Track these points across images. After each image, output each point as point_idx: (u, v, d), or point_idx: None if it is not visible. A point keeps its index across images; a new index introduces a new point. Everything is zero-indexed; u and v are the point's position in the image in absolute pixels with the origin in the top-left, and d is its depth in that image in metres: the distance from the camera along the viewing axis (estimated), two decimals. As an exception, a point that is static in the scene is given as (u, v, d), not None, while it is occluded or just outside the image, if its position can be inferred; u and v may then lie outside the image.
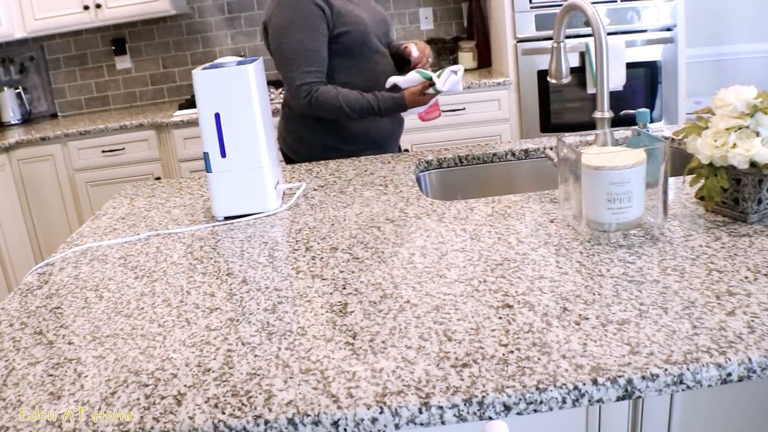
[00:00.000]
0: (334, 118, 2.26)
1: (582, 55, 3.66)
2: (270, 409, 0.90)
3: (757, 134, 1.32)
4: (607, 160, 1.33)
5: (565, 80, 1.74)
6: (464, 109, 3.78)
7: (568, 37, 1.84)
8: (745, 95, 1.34)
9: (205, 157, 1.70)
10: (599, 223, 1.37)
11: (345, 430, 0.88)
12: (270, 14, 2.23)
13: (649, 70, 3.79)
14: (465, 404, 0.88)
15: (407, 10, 4.33)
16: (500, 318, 1.07)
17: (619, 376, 0.89)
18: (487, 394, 0.88)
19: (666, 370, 0.89)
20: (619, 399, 0.89)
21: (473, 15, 4.22)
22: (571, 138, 2.12)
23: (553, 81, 1.75)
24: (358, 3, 2.30)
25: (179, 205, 1.91)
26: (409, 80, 2.15)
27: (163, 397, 0.96)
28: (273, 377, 0.98)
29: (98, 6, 3.93)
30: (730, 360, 0.90)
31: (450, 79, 2.10)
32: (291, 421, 0.88)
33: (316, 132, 2.34)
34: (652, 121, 3.78)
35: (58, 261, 1.57)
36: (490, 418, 0.89)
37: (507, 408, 0.88)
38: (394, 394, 0.90)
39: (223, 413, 0.91)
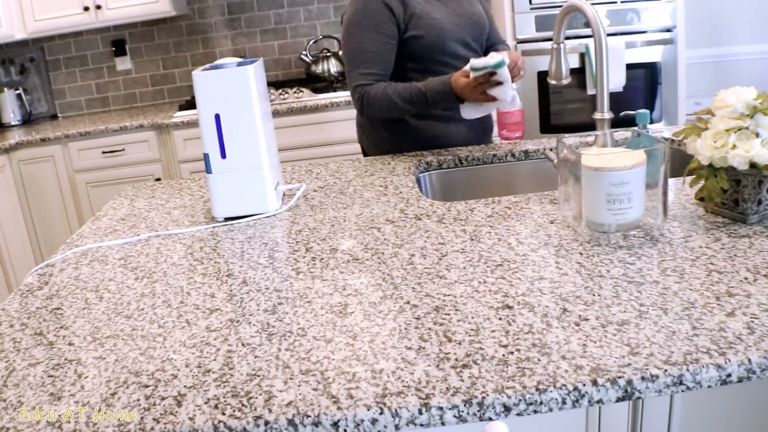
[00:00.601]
0: (390, 117, 2.16)
1: (582, 56, 3.66)
2: (270, 410, 0.90)
3: (757, 135, 1.32)
4: (607, 162, 1.33)
5: (565, 81, 1.74)
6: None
7: (567, 38, 1.84)
8: (744, 96, 1.34)
9: (206, 158, 1.70)
10: (599, 224, 1.37)
11: (345, 430, 0.88)
12: (344, 10, 2.17)
13: (648, 71, 3.79)
14: (465, 405, 0.88)
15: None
16: (500, 319, 1.07)
17: (619, 377, 0.89)
18: (487, 395, 0.88)
19: (666, 371, 0.89)
20: (618, 400, 0.89)
21: (473, 16, 4.22)
22: (571, 139, 2.12)
23: (553, 82, 1.75)
24: (446, 1, 2.15)
25: (179, 206, 1.91)
26: (482, 61, 1.89)
27: (163, 398, 0.96)
28: (273, 378, 0.98)
29: (98, 7, 3.93)
30: (729, 361, 0.90)
31: (515, 97, 1.95)
32: (291, 422, 0.88)
33: (379, 134, 2.26)
34: (651, 122, 3.78)
35: (58, 262, 1.57)
36: (490, 419, 0.89)
37: (507, 409, 0.88)
38: (394, 395, 0.90)
39: (224, 414, 0.91)
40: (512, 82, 1.95)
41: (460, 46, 2.14)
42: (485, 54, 2.16)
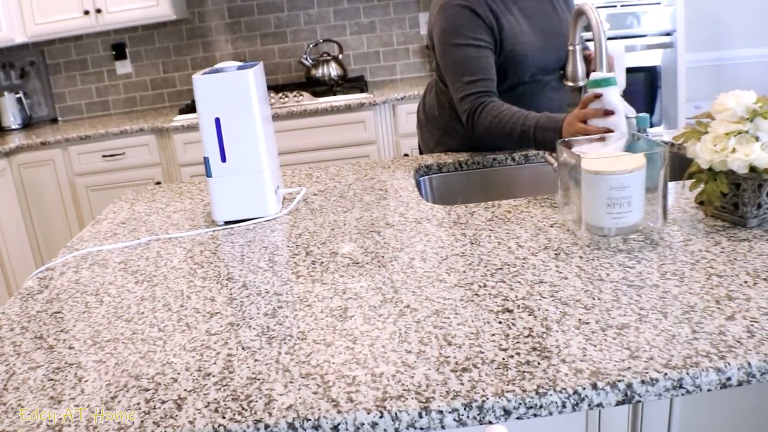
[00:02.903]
0: (497, 143, 2.02)
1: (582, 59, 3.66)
2: (270, 414, 0.90)
3: (757, 139, 1.32)
4: (607, 165, 1.33)
5: (582, 83, 1.74)
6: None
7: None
8: (744, 100, 1.35)
9: (206, 161, 1.71)
10: (599, 228, 1.37)
11: (345, 434, 0.89)
12: (432, 24, 2.07)
13: (648, 74, 3.80)
14: (465, 409, 0.88)
15: (407, 15, 4.34)
16: (500, 322, 1.07)
17: (619, 381, 0.89)
18: (487, 399, 0.88)
19: (666, 374, 0.89)
20: (618, 403, 0.89)
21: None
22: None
23: (570, 84, 1.75)
24: (534, 18, 2.01)
25: (179, 209, 1.91)
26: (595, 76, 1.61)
27: (163, 402, 0.96)
28: (273, 382, 0.98)
29: (98, 11, 3.94)
30: (729, 364, 0.90)
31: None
32: (291, 426, 0.88)
33: (432, 133, 2.23)
34: (651, 126, 3.78)
35: (58, 265, 1.57)
36: (490, 423, 0.89)
37: (507, 412, 0.88)
38: (394, 399, 0.90)
39: (224, 418, 0.91)
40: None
41: (539, 73, 2.06)
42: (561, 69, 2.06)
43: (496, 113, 1.88)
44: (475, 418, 0.88)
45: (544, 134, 1.77)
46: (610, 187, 1.33)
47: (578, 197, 1.39)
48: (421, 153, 2.37)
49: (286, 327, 1.14)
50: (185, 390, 0.98)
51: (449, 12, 1.97)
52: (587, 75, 1.77)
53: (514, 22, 1.99)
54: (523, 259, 1.32)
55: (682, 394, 0.90)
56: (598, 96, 1.59)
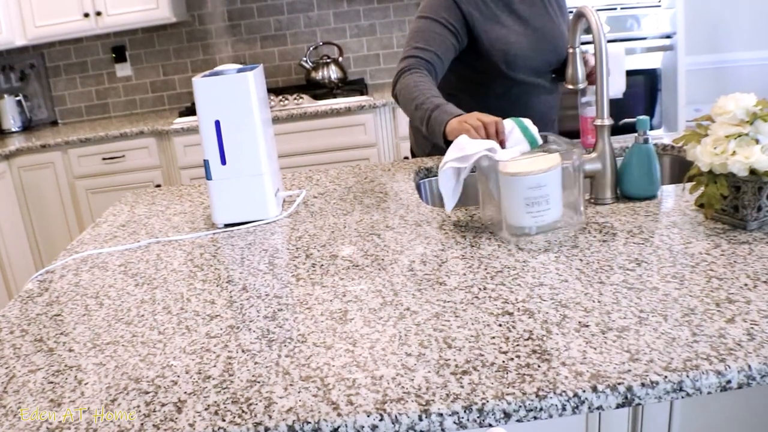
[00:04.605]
0: (404, 109, 1.97)
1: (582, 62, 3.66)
2: (270, 417, 0.90)
3: (757, 142, 1.32)
4: (523, 167, 1.40)
5: (582, 85, 1.74)
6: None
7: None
8: (744, 103, 1.35)
9: (206, 164, 1.71)
10: (520, 228, 1.43)
11: (345, 437, 0.89)
12: None
13: (648, 77, 3.80)
14: (465, 411, 0.88)
15: (407, 18, 4.34)
16: (500, 325, 1.07)
17: (619, 384, 0.89)
18: (487, 402, 0.88)
19: (666, 377, 0.89)
20: (618, 406, 0.89)
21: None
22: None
23: (570, 86, 1.75)
24: (528, 21, 2.02)
25: (179, 212, 1.91)
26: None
27: (163, 404, 0.96)
28: (273, 384, 0.98)
29: (98, 14, 3.94)
30: (729, 367, 0.90)
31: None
32: (291, 429, 0.88)
33: (421, 133, 2.15)
34: (651, 129, 3.78)
35: (58, 268, 1.57)
36: (490, 425, 0.89)
37: (507, 415, 0.88)
38: (394, 402, 0.90)
39: (224, 420, 0.91)
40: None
41: (532, 74, 2.06)
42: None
43: (418, 81, 1.88)
44: (475, 420, 0.88)
45: (438, 117, 1.76)
46: (527, 187, 1.39)
47: (498, 199, 1.45)
48: (413, 156, 2.36)
49: (286, 330, 1.14)
50: (185, 393, 0.98)
51: None
52: (587, 77, 1.78)
53: (504, 23, 2.00)
54: (523, 261, 1.32)
55: (682, 397, 0.90)
56: (501, 129, 1.60)
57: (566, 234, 1.43)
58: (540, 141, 1.58)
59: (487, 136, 1.59)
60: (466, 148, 1.51)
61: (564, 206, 1.45)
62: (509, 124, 1.60)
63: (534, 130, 1.59)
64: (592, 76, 1.96)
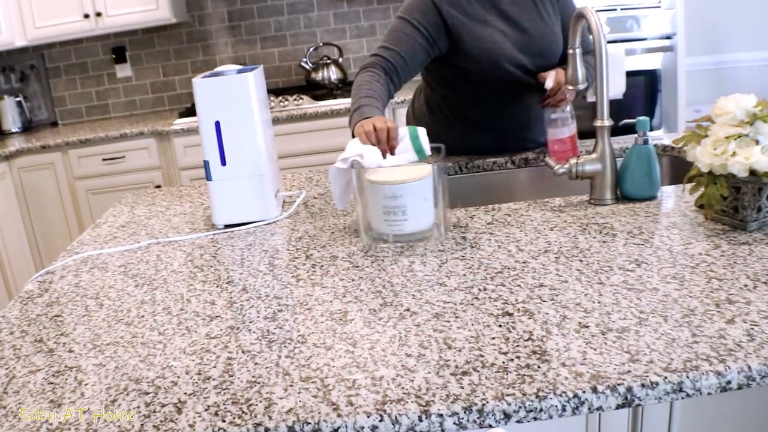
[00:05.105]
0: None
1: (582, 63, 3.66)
2: (270, 417, 0.90)
3: (757, 142, 1.32)
4: (382, 176, 1.44)
5: (582, 86, 1.74)
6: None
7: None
8: (744, 103, 1.35)
9: (206, 165, 1.71)
10: (379, 233, 1.47)
11: (345, 438, 0.89)
12: None
13: (648, 78, 3.80)
14: (465, 412, 0.88)
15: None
16: (500, 326, 1.07)
17: (619, 384, 0.89)
18: (487, 402, 0.88)
19: (665, 378, 0.89)
20: (618, 407, 0.89)
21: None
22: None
23: (570, 87, 1.75)
24: (516, 22, 2.01)
25: (179, 213, 1.91)
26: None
27: (163, 405, 0.96)
28: (273, 385, 0.98)
29: (99, 14, 3.94)
30: (729, 368, 0.90)
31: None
32: (291, 429, 0.88)
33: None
34: (651, 130, 3.78)
35: (58, 269, 1.57)
36: (490, 426, 0.89)
37: (507, 416, 0.88)
38: (394, 402, 0.90)
39: (224, 421, 0.91)
40: (558, 103, 1.91)
41: (519, 75, 2.03)
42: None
43: (364, 80, 1.91)
44: (475, 421, 0.88)
45: (353, 118, 1.77)
46: (384, 196, 1.42)
47: (363, 204, 1.48)
48: None
49: (286, 330, 1.14)
50: (185, 393, 0.98)
51: None
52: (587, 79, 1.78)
53: (491, 23, 2.00)
54: (523, 262, 1.32)
55: (682, 398, 0.90)
56: (394, 136, 1.61)
57: (430, 247, 1.46)
58: (428, 152, 1.59)
59: (378, 141, 1.61)
60: (348, 150, 1.57)
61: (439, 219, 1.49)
62: (403, 131, 1.62)
63: (425, 140, 1.60)
64: (545, 100, 1.97)
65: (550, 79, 1.94)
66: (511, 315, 1.11)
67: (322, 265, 1.41)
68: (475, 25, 1.98)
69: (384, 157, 1.59)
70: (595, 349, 0.98)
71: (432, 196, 1.46)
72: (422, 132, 1.61)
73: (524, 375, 0.93)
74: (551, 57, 2.06)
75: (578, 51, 1.71)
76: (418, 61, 2.00)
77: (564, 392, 0.89)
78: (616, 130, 1.72)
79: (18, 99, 4.34)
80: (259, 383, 0.99)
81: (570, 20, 1.95)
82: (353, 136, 1.71)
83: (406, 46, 1.97)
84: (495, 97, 2.06)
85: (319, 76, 4.18)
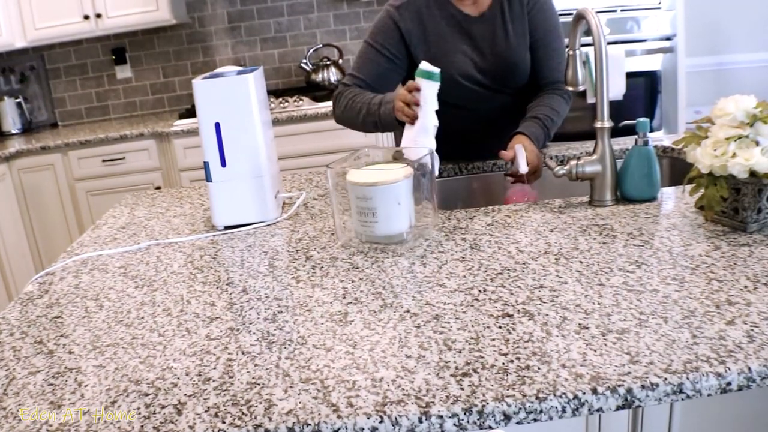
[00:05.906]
0: (354, 121, 2.01)
1: (582, 64, 3.66)
2: (270, 419, 0.90)
3: (757, 144, 1.32)
4: (356, 176, 1.46)
5: (582, 87, 1.74)
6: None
7: (566, 46, 1.84)
8: (744, 105, 1.35)
9: (206, 166, 1.71)
10: (357, 233, 1.50)
11: (345, 439, 0.88)
12: None
13: (649, 79, 3.80)
14: (465, 413, 0.88)
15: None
16: (500, 327, 1.07)
17: (619, 386, 0.89)
18: (487, 404, 0.88)
19: (666, 379, 0.89)
20: (618, 408, 0.89)
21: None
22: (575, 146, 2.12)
23: (570, 88, 1.75)
24: (481, 41, 1.99)
25: (179, 214, 1.91)
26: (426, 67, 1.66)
27: (163, 407, 0.96)
28: (273, 386, 0.98)
29: (98, 16, 3.94)
30: (729, 369, 0.90)
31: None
32: (291, 431, 0.88)
33: None
34: (651, 131, 3.78)
35: (58, 270, 1.57)
36: (490, 428, 0.89)
37: (507, 417, 0.88)
38: (394, 404, 0.90)
39: (224, 422, 0.90)
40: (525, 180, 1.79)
41: (482, 92, 2.03)
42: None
43: (354, 95, 1.98)
44: (475, 422, 0.88)
45: (386, 107, 1.83)
46: (356, 196, 1.45)
47: (338, 201, 1.53)
48: None
49: (286, 332, 1.14)
50: (185, 395, 0.98)
51: (380, 14, 2.05)
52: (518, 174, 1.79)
53: (453, 42, 1.99)
54: (523, 263, 1.32)
55: (682, 399, 0.90)
56: (417, 88, 1.66)
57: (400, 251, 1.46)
58: (436, 70, 1.63)
59: (414, 104, 1.67)
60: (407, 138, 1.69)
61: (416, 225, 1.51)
62: (417, 82, 1.66)
63: (426, 66, 1.64)
64: (521, 176, 1.81)
65: (523, 162, 1.77)
66: (511, 316, 1.11)
67: (322, 267, 1.41)
68: (436, 41, 2.00)
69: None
70: (595, 351, 0.98)
71: (407, 201, 1.47)
72: (424, 64, 1.65)
73: (524, 376, 0.93)
74: (513, 79, 2.04)
75: (578, 52, 1.71)
76: (389, 80, 2.05)
77: (564, 393, 0.89)
78: (616, 132, 1.72)
79: (18, 100, 4.34)
80: (259, 384, 0.99)
81: (545, 37, 1.99)
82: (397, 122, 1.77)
83: (371, 71, 2.03)
84: (465, 111, 2.04)
85: (319, 77, 4.18)
